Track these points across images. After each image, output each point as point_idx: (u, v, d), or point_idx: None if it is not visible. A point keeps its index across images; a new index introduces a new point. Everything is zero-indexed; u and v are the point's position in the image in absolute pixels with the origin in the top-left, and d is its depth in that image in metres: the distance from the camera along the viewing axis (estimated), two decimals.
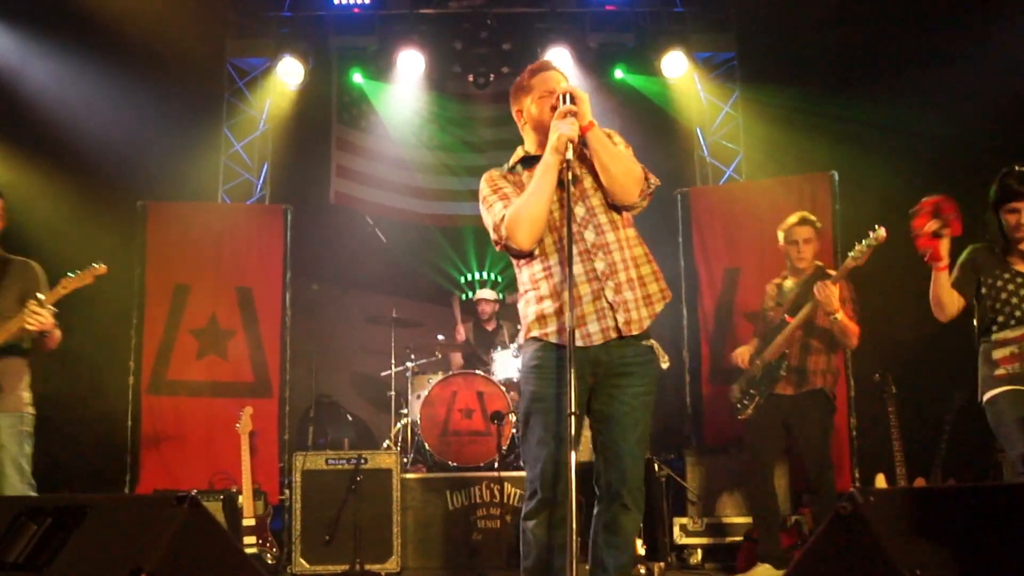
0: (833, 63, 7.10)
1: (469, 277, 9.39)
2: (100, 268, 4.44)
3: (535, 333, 3.33)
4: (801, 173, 6.95)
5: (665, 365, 3.39)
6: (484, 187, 3.45)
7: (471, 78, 8.38)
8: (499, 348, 7.22)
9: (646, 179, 3.34)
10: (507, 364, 7.05)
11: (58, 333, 4.46)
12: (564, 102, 3.22)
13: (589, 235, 3.30)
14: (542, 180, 3.24)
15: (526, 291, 3.41)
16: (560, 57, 7.93)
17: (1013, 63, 5.95)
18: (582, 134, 3.23)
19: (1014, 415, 3.96)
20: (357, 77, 8.59)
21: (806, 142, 7.12)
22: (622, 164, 3.29)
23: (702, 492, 6.19)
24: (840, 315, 5.02)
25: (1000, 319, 4.07)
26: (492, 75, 8.30)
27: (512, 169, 3.50)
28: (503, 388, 6.71)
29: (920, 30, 6.51)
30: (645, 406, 3.32)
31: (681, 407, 6.99)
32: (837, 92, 7.02)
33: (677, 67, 7.85)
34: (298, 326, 7.13)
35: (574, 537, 3.00)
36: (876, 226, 4.90)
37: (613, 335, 3.26)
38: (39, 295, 4.33)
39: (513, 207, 3.28)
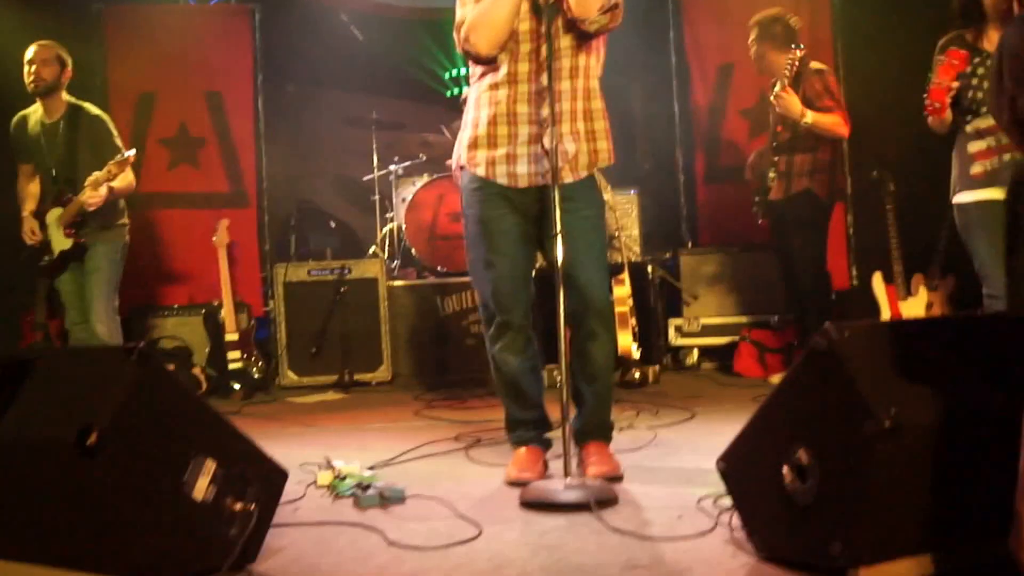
0: None
1: (454, 72, 8.95)
2: (129, 157, 4.72)
3: (464, 160, 3.25)
4: None
5: (607, 196, 3.39)
6: None
7: None
8: None
9: None
10: None
11: (120, 185, 4.76)
12: None
13: (543, 78, 3.10)
14: None
15: (468, 112, 3.30)
16: None
17: None
18: None
19: (983, 235, 3.70)
20: None
21: None
22: None
23: (697, 293, 6.09)
24: (809, 117, 4.85)
25: (974, 106, 3.73)
26: None
27: None
28: None
29: None
30: (596, 228, 3.28)
31: (676, 207, 6.79)
32: None
33: None
34: (274, 130, 6.81)
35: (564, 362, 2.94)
36: (799, 45, 4.83)
37: (541, 182, 3.14)
38: (94, 175, 4.62)
39: (476, 9, 3.12)
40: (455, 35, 3.24)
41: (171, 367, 5.56)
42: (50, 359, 2.37)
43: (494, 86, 3.21)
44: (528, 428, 3.37)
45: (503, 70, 3.19)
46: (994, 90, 2.62)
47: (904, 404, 2.01)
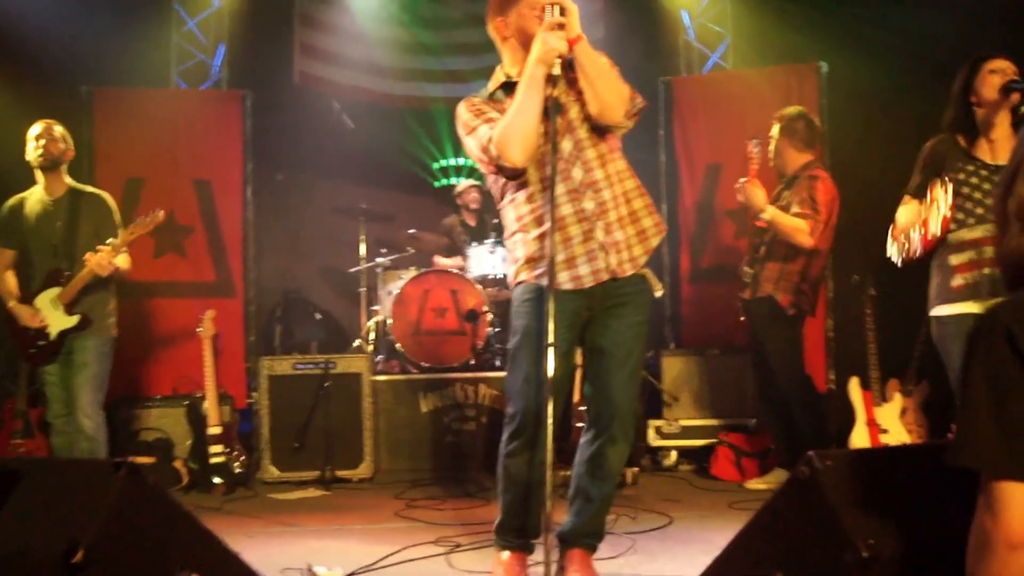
0: None
1: (443, 163, 9.09)
2: (160, 216, 4.74)
3: (524, 276, 3.25)
4: (788, 63, 6.64)
5: (658, 293, 3.34)
6: (464, 114, 3.29)
7: None
8: (474, 244, 6.97)
9: (632, 99, 3.20)
10: (482, 260, 6.81)
11: (125, 266, 4.75)
12: (552, 14, 3.03)
13: (577, 173, 3.19)
14: (528, 93, 3.07)
15: (513, 232, 3.30)
16: None
17: None
18: (569, 48, 3.05)
19: (960, 350, 3.56)
20: None
21: (795, 30, 6.73)
22: (608, 80, 3.14)
23: (678, 394, 6.12)
24: (768, 213, 4.92)
25: (959, 216, 3.66)
26: None
27: (492, 96, 3.33)
28: (478, 286, 6.52)
29: None
30: (638, 337, 3.29)
31: (659, 307, 6.86)
32: None
33: None
34: (262, 220, 6.85)
35: (549, 469, 2.93)
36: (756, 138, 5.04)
37: (605, 277, 3.19)
38: (110, 241, 4.61)
39: (500, 124, 3.12)
40: (483, 157, 3.21)
41: (152, 460, 5.54)
42: (36, 470, 2.36)
43: (531, 197, 3.23)
44: (518, 534, 3.35)
45: (534, 177, 3.22)
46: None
47: (882, 534, 2.03)
